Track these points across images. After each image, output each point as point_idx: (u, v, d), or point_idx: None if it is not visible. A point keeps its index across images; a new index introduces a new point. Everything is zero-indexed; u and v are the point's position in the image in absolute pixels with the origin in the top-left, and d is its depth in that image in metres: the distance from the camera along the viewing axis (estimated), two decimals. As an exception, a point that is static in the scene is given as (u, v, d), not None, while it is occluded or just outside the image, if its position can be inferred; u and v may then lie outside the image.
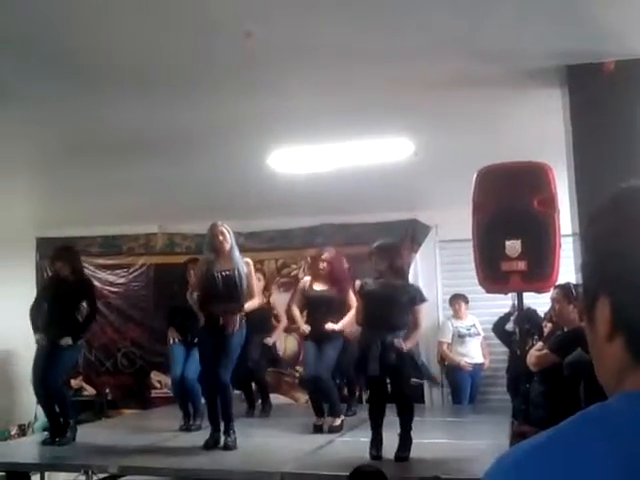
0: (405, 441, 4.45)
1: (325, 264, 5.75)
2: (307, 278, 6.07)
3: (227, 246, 4.94)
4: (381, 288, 4.62)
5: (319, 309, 5.70)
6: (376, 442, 4.51)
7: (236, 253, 5.01)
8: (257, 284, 5.59)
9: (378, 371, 4.46)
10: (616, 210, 0.74)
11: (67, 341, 5.35)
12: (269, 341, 6.80)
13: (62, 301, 5.47)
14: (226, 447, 4.86)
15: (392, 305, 4.55)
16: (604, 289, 0.72)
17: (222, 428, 4.98)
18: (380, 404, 4.64)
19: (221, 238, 4.93)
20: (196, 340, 5.54)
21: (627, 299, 0.70)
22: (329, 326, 5.59)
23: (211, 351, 4.97)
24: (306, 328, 5.72)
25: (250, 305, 5.12)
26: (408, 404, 4.65)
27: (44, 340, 5.41)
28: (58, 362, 5.39)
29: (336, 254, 5.90)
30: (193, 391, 5.82)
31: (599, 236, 0.75)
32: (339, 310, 5.70)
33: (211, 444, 4.93)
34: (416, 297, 4.70)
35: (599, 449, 0.64)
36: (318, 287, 5.79)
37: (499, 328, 6.77)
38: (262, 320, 6.34)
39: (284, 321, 7.22)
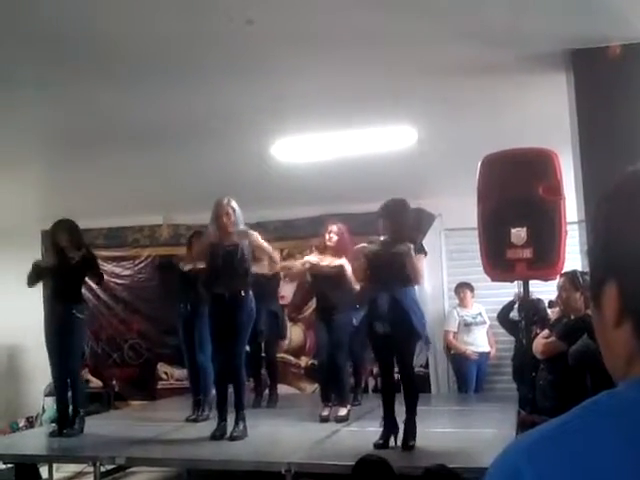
0: (410, 428, 4.43)
1: (333, 234, 5.69)
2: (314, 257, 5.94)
3: (231, 225, 4.94)
4: (386, 245, 4.54)
5: (327, 284, 5.66)
6: (387, 429, 4.47)
7: (240, 229, 5.00)
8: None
9: (389, 327, 4.38)
10: (622, 195, 0.73)
11: (81, 310, 5.42)
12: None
13: (68, 275, 5.41)
14: (233, 438, 4.83)
15: (397, 260, 4.43)
16: (611, 274, 0.71)
17: (232, 417, 4.94)
18: (389, 368, 4.58)
19: (225, 219, 4.93)
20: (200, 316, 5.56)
21: (635, 284, 0.68)
22: None
23: (221, 331, 4.96)
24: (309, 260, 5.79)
25: (275, 263, 5.30)
26: (411, 378, 4.60)
27: (54, 316, 5.41)
28: (72, 340, 5.37)
29: (342, 227, 5.84)
30: (206, 373, 5.75)
31: (606, 221, 0.74)
32: (347, 285, 5.61)
33: (218, 435, 4.90)
34: (416, 247, 4.54)
35: (609, 438, 0.63)
36: (326, 262, 5.74)
37: (503, 317, 6.75)
38: (269, 290, 6.35)
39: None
